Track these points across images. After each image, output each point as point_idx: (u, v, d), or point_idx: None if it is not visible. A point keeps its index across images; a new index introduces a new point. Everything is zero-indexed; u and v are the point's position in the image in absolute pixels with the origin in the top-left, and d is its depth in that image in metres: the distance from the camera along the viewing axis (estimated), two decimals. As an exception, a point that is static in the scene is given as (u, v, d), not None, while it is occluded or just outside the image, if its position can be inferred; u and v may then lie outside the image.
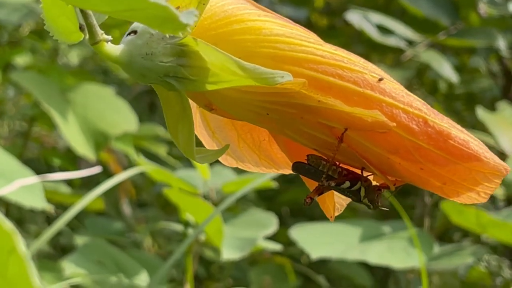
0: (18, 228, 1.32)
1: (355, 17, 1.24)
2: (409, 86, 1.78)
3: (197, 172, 1.03)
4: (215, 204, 0.99)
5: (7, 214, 1.32)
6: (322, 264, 1.39)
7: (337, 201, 0.39)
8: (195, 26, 0.33)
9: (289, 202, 1.73)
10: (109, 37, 0.34)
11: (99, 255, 1.01)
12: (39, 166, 1.42)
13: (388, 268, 1.40)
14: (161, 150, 1.23)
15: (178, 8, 0.34)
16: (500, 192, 1.46)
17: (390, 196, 0.40)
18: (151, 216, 1.44)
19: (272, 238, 1.23)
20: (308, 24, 1.67)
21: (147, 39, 0.34)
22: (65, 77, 1.21)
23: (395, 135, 0.34)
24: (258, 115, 0.35)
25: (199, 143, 0.38)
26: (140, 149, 1.25)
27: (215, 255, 1.39)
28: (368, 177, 0.37)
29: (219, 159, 0.40)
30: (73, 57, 1.44)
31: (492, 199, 1.44)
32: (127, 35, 0.34)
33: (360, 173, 0.37)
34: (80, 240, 1.14)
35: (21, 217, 1.41)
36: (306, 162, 0.36)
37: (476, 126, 1.45)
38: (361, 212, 1.73)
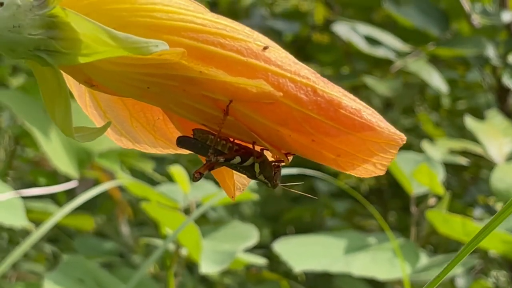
0: (10, 248, 1.31)
1: (342, 29, 1.22)
2: (412, 102, 1.77)
3: (177, 186, 1.01)
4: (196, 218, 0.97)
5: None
6: (326, 280, 1.38)
7: (238, 181, 0.37)
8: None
9: (293, 220, 1.72)
10: None
11: (80, 272, 0.99)
12: (28, 185, 1.41)
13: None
14: (148, 167, 1.22)
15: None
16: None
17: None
18: (148, 234, 1.42)
19: (272, 254, 1.21)
20: (307, 40, 1.65)
21: (14, 11, 0.32)
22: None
23: (283, 106, 0.33)
24: (139, 89, 0.33)
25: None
26: (128, 167, 1.24)
27: (219, 277, 1.37)
28: (265, 153, 0.36)
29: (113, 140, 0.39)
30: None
31: (489, 208, 1.41)
32: None
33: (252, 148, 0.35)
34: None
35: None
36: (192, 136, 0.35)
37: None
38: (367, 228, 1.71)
